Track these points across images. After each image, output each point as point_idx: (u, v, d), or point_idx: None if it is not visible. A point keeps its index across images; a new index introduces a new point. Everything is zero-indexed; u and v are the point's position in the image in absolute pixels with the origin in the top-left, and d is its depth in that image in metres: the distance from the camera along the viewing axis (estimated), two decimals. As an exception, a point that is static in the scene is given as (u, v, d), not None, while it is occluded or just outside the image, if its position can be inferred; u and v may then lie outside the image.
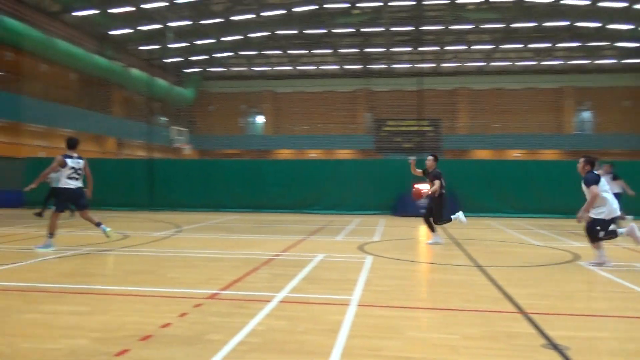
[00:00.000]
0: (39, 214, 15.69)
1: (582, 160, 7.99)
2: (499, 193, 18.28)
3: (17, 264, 7.80)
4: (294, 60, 43.68)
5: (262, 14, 31.13)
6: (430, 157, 10.56)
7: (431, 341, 4.25)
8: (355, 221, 15.66)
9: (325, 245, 10.15)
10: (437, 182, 10.09)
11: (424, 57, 41.04)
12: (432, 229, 10.38)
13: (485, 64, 42.94)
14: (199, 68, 44.25)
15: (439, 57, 42.58)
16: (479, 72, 44.29)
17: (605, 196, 7.65)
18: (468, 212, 18.12)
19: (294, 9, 30.68)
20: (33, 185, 9.94)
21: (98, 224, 9.43)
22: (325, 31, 35.04)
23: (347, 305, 5.33)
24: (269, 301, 5.43)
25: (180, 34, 34.37)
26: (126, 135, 34.60)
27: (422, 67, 38.82)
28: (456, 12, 33.18)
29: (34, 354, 3.83)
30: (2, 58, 26.04)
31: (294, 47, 39.65)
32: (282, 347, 4.05)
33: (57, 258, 8.35)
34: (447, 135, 38.27)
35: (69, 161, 9.32)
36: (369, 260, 8.29)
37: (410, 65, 42.77)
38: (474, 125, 42.53)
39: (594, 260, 7.96)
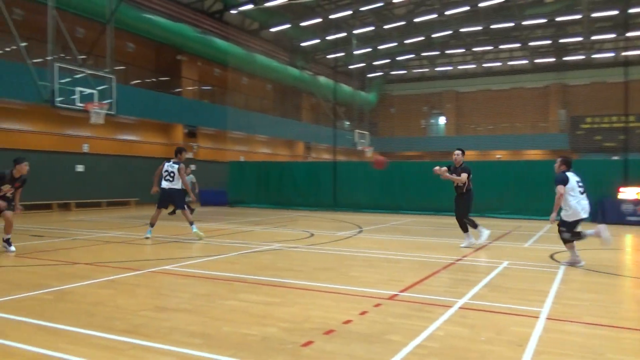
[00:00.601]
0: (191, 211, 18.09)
1: (558, 160, 8.16)
2: None
3: (222, 256, 8.81)
4: (479, 57, 41.95)
5: (445, 12, 30.50)
6: (457, 152, 10.46)
7: (637, 367, 3.73)
8: (545, 227, 14.45)
9: (511, 252, 9.56)
10: (464, 175, 9.94)
11: (631, 44, 36.13)
12: (464, 230, 10.06)
13: None
14: (381, 72, 45.07)
15: (651, 42, 37.11)
16: None
17: (569, 198, 7.74)
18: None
19: (480, 4, 29.45)
20: (155, 188, 11.54)
21: (191, 223, 11.14)
22: (514, 24, 32.97)
23: (535, 317, 4.95)
24: (449, 306, 5.30)
25: (363, 39, 35.43)
26: (313, 139, 36.82)
27: (629, 55, 34.21)
28: (675, -11, 28.54)
29: (233, 337, 4.29)
30: (212, 74, 29.72)
31: (479, 44, 38.09)
32: (462, 355, 3.92)
33: (253, 252, 9.24)
34: (661, 132, 33.13)
35: (165, 164, 11.15)
36: (561, 270, 7.58)
37: (614, 54, 38.05)
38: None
39: (567, 260, 8.12)
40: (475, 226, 9.96)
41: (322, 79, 37.42)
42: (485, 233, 9.94)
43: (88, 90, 16.06)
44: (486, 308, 5.31)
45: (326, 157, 38.49)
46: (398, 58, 41.18)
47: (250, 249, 9.57)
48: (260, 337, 4.26)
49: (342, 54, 37.40)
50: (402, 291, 6.03)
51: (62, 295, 5.73)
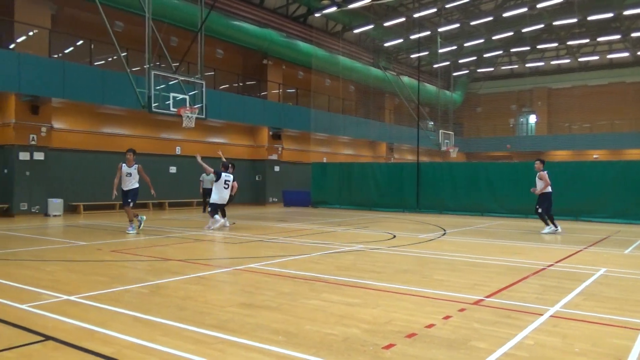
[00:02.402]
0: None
1: (222, 165, 13.71)
2: None
3: (304, 256, 8.96)
4: (574, 51, 39.56)
5: (537, 5, 29.03)
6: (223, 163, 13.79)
7: None
8: (650, 233, 13.36)
9: (610, 259, 8.92)
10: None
11: None
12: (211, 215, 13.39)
13: None
14: (467, 70, 43.76)
15: None
16: None
17: (218, 187, 13.31)
18: None
19: (575, -5, 27.80)
20: (116, 193, 12.53)
21: (136, 215, 12.70)
22: (613, 15, 30.74)
23: (636, 330, 4.59)
24: (539, 314, 5.05)
25: (448, 37, 34.59)
26: (396, 140, 36.45)
27: None
28: None
29: (315, 336, 4.35)
30: (295, 77, 30.29)
31: (574, 37, 35.94)
32: (553, 366, 3.72)
33: (335, 253, 9.30)
34: None
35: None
36: (667, 280, 6.98)
37: None
38: None
39: (207, 225, 13.26)
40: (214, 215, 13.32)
41: (405, 78, 36.98)
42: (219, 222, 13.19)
43: (180, 96, 16.93)
44: (581, 317, 5.00)
45: (409, 158, 37.94)
46: (485, 55, 39.80)
47: (332, 250, 9.65)
48: (342, 337, 4.28)
49: (426, 52, 36.73)
50: (488, 296, 5.82)
51: (157, 290, 6.09)
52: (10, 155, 17.16)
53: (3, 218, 16.43)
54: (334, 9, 27.53)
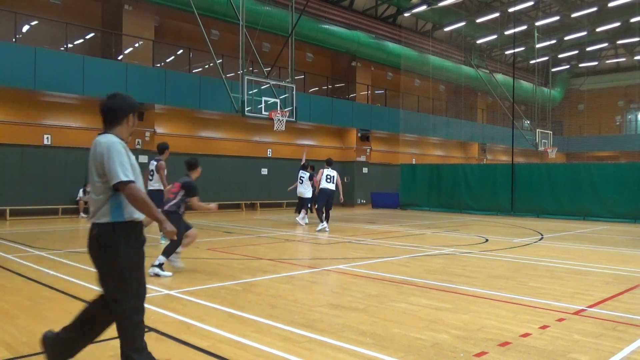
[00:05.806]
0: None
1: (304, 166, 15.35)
2: None
3: (393, 258, 8.89)
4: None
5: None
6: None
7: None
8: None
9: None
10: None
11: None
12: None
13: None
14: (568, 65, 41.23)
15: None
16: None
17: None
18: None
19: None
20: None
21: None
22: None
23: None
24: (649, 328, 4.65)
25: (546, 31, 32.80)
26: (489, 140, 35.13)
27: None
28: None
29: (403, 339, 4.30)
30: (384, 78, 30.13)
31: (690, 26, 32.65)
32: (666, 385, 3.41)
33: (424, 256, 9.14)
34: None
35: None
36: None
37: None
38: None
39: None
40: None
41: (499, 76, 35.55)
42: None
43: (272, 100, 17.45)
44: (699, 334, 4.54)
45: (503, 158, 36.41)
46: (588, 49, 37.27)
47: (421, 253, 9.49)
48: (431, 343, 4.20)
49: (522, 48, 35.09)
50: (590, 306, 5.46)
51: (249, 287, 6.31)
52: (119, 158, 18.50)
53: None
54: (424, 7, 27.07)
